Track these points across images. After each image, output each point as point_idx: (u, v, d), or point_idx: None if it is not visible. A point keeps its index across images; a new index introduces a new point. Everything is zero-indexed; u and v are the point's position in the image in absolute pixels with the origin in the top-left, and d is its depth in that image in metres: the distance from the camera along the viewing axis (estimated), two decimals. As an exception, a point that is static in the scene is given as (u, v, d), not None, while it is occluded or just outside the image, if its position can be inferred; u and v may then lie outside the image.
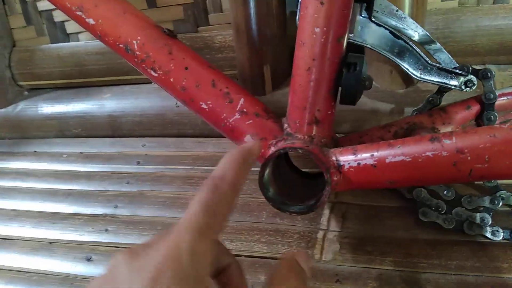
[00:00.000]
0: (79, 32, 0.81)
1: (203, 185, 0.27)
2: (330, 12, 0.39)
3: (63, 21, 0.81)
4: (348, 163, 0.41)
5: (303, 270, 0.29)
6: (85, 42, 0.80)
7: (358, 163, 0.41)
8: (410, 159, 0.38)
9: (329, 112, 0.44)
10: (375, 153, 0.40)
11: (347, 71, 0.42)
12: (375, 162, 0.40)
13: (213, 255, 0.25)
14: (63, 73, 0.82)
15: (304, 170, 0.51)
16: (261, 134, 0.46)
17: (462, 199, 0.48)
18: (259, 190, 0.43)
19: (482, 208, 0.48)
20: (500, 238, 0.46)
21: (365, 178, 0.41)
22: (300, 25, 0.42)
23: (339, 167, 0.42)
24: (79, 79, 0.82)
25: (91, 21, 0.49)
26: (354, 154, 0.41)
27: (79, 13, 0.49)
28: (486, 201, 0.48)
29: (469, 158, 0.35)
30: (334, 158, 0.42)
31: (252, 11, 0.61)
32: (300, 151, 0.42)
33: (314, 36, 0.40)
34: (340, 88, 0.43)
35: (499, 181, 0.49)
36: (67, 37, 0.81)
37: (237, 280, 0.30)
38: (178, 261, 0.22)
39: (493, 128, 0.35)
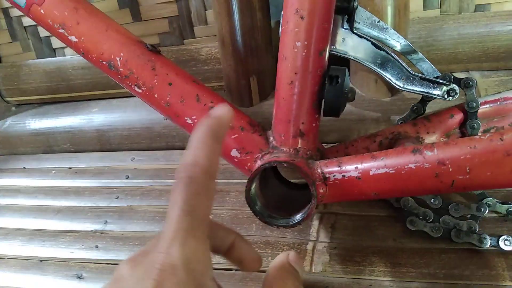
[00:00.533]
0: (65, 47, 0.80)
1: (176, 179, 0.25)
2: (311, 26, 0.40)
3: (48, 36, 0.80)
4: (333, 176, 0.41)
5: (297, 271, 0.29)
6: (71, 57, 0.80)
7: (343, 176, 0.41)
8: (393, 171, 0.38)
9: (314, 125, 0.44)
10: (359, 165, 0.40)
11: (330, 84, 0.42)
12: (360, 175, 0.40)
13: (207, 253, 0.24)
14: (50, 88, 0.82)
15: (291, 180, 0.51)
16: (246, 148, 0.46)
17: (449, 207, 0.49)
18: (247, 204, 0.43)
19: (469, 216, 0.48)
20: (488, 245, 0.46)
21: (351, 190, 0.41)
22: (281, 39, 0.42)
23: (324, 180, 0.42)
24: (66, 93, 0.82)
25: (73, 38, 0.49)
26: (339, 166, 0.41)
27: (61, 30, 0.49)
28: (473, 209, 0.48)
29: (450, 169, 0.35)
30: (319, 171, 0.42)
31: (237, 23, 0.61)
32: (285, 164, 0.42)
33: (296, 50, 0.41)
34: (323, 101, 0.43)
35: (485, 188, 0.49)
36: (53, 52, 0.81)
37: (247, 252, 0.30)
38: (174, 274, 0.22)
39: (473, 140, 0.35)
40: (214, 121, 0.27)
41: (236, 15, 0.61)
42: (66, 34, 0.49)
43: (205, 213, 0.25)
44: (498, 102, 0.48)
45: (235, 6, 0.60)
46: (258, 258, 0.31)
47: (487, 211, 0.48)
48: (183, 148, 0.74)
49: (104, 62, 0.49)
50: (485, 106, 0.48)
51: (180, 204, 0.24)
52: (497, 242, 0.46)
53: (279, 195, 0.49)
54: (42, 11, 0.49)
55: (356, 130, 0.63)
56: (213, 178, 0.26)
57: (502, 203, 0.49)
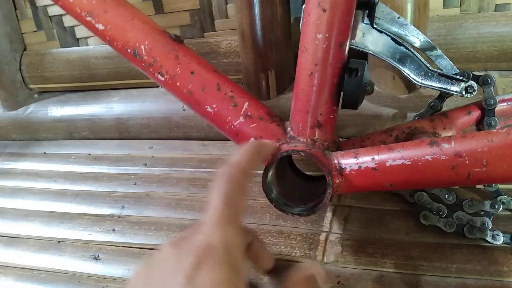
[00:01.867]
0: (88, 37, 0.82)
1: (219, 174, 0.30)
2: (332, 19, 0.41)
3: (73, 26, 0.82)
4: (350, 166, 0.42)
5: (318, 285, 0.33)
6: (94, 47, 0.82)
7: (359, 166, 0.41)
8: (410, 163, 0.39)
9: (332, 116, 0.45)
10: (376, 157, 0.41)
11: (349, 76, 0.43)
12: (376, 165, 0.40)
13: (241, 240, 0.29)
14: (72, 77, 0.84)
15: (307, 173, 0.52)
16: (264, 137, 0.47)
17: (463, 203, 0.49)
18: (263, 193, 0.44)
19: (482, 212, 0.49)
20: (501, 242, 0.47)
21: (366, 181, 0.42)
22: (303, 31, 0.43)
23: (340, 170, 0.42)
24: (88, 82, 0.84)
25: (100, 26, 0.51)
26: (356, 157, 0.42)
27: (89, 18, 0.51)
28: (486, 206, 0.48)
29: (467, 161, 0.36)
30: (336, 161, 0.43)
31: (257, 17, 0.62)
32: (302, 154, 0.43)
33: (317, 42, 0.42)
34: (342, 93, 0.44)
35: (500, 186, 0.49)
36: (76, 41, 0.83)
37: (262, 251, 0.36)
38: (213, 252, 0.25)
39: (490, 133, 0.35)
40: (260, 142, 0.36)
41: (257, 9, 0.62)
42: (93, 22, 0.51)
43: (241, 207, 0.30)
44: (516, 101, 0.48)
45: (256, 0, 0.61)
46: (271, 257, 0.37)
47: (501, 208, 0.48)
48: (200, 139, 0.75)
49: (129, 50, 0.50)
50: (502, 104, 0.48)
51: (222, 197, 0.29)
52: (510, 239, 0.46)
53: (294, 186, 0.50)
54: (71, -1, 0.51)
55: (372, 126, 0.64)
56: (249, 180, 0.32)
57: (516, 201, 0.49)
